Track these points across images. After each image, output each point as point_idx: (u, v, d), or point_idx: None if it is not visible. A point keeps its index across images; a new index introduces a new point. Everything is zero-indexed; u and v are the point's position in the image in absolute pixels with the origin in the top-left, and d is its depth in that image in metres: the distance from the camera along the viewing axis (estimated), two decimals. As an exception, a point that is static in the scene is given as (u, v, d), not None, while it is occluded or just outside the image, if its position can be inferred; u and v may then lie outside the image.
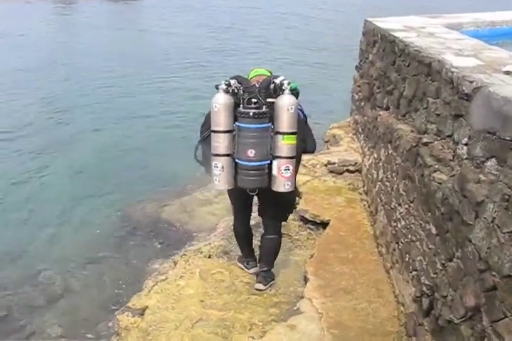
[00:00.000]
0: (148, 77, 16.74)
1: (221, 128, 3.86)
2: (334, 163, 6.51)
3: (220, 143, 3.88)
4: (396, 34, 5.27)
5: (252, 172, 3.90)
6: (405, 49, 4.69)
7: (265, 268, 4.60)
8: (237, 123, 3.87)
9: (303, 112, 4.22)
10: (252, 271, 4.79)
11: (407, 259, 3.87)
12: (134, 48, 23.01)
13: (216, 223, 6.52)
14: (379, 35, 6.04)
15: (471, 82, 3.13)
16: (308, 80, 16.02)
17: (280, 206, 4.40)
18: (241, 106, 3.87)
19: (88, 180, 8.58)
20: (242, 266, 4.89)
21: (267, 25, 29.81)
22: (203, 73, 17.14)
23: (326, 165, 6.57)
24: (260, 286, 4.56)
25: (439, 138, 3.67)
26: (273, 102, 3.86)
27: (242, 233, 4.73)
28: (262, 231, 4.65)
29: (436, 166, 3.45)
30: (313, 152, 4.57)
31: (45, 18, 37.05)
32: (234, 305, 4.31)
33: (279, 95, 3.84)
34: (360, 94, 7.11)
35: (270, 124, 3.86)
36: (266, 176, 3.94)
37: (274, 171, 3.92)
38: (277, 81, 3.87)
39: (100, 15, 41.94)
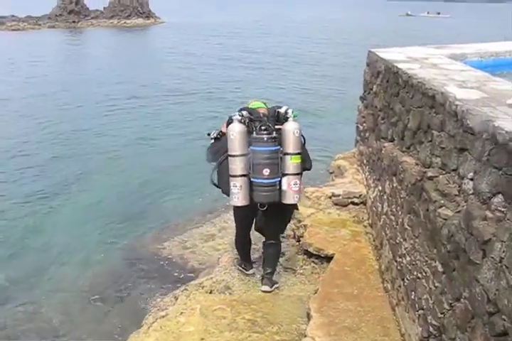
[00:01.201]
0: (156, 105, 16.93)
1: (238, 153, 4.51)
2: (339, 195, 6.41)
3: (237, 165, 4.52)
4: (399, 65, 5.23)
5: (267, 188, 4.57)
6: (409, 80, 4.64)
7: (269, 270, 5.12)
8: (251, 147, 4.52)
9: (303, 136, 4.78)
10: (250, 271, 5.41)
11: (412, 297, 3.73)
12: (142, 76, 23.40)
13: (218, 256, 6.42)
14: (382, 66, 6.02)
15: (476, 116, 3.06)
16: (314, 110, 16.14)
17: (283, 218, 5.11)
18: (254, 133, 4.56)
19: (92, 215, 8.59)
20: (240, 269, 5.47)
21: (273, 56, 30.26)
22: (213, 101, 17.35)
23: (330, 198, 6.47)
24: (266, 288, 5.02)
25: (444, 172, 3.57)
26: (280, 128, 4.61)
27: (244, 244, 5.37)
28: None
29: (442, 201, 3.35)
30: (310, 169, 5.10)
31: (54, 47, 37.90)
32: (235, 344, 4.18)
33: (284, 122, 4.63)
34: (364, 124, 7.06)
35: (279, 147, 4.56)
36: (278, 191, 4.61)
37: (284, 186, 4.62)
38: (282, 110, 4.70)
39: (108, 43, 42.90)
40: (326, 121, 14.73)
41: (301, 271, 5.40)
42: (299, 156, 4.62)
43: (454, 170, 3.39)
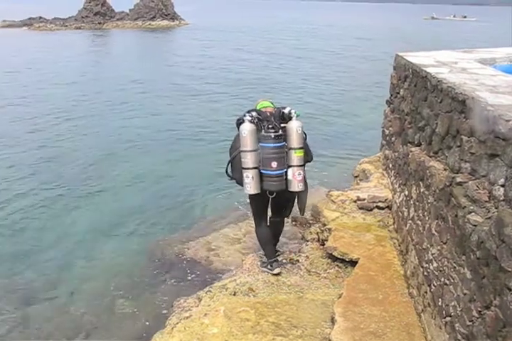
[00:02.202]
0: (180, 106, 17.04)
1: (249, 149, 5.25)
2: (364, 200, 6.37)
3: (249, 159, 5.26)
4: (428, 69, 5.18)
5: (275, 178, 5.30)
6: (438, 85, 4.60)
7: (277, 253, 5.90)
8: (261, 143, 5.27)
9: (304, 132, 5.45)
10: (276, 271, 5.60)
11: (439, 303, 3.69)
12: (165, 78, 23.56)
13: (242, 258, 6.43)
14: (410, 71, 5.98)
15: (508, 121, 3.02)
16: (339, 113, 16.10)
17: (289, 204, 5.84)
18: (263, 131, 5.28)
19: (117, 214, 8.63)
20: (266, 270, 5.68)
21: (300, 60, 30.26)
22: (236, 102, 17.40)
23: (355, 202, 6.44)
24: (278, 270, 5.56)
25: (473, 178, 3.53)
26: (284, 126, 5.30)
27: (265, 235, 5.82)
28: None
29: (471, 207, 3.31)
30: (311, 161, 5.80)
31: (79, 47, 38.43)
32: (258, 347, 4.18)
33: (288, 121, 5.32)
34: (390, 129, 7.01)
35: (284, 143, 5.29)
36: (284, 181, 5.33)
37: (290, 176, 5.34)
38: (286, 111, 5.37)
39: (132, 44, 43.39)
40: (351, 124, 14.68)
41: (325, 275, 5.38)
42: (301, 150, 5.34)
43: (483, 175, 3.35)
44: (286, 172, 5.33)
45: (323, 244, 5.92)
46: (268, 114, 5.44)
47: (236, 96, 18.92)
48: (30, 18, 57.92)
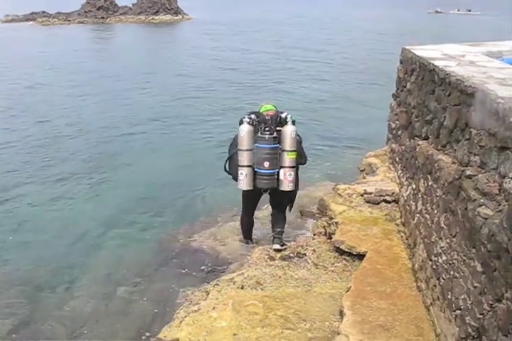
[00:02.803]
0: (179, 104, 17.03)
1: (245, 148, 5.86)
2: (371, 193, 6.36)
3: (244, 157, 5.87)
4: (436, 63, 5.16)
5: (266, 177, 5.88)
6: (446, 78, 4.57)
7: (279, 230, 6.25)
8: (256, 144, 5.84)
9: (299, 136, 6.05)
10: (250, 244, 6.66)
11: (449, 297, 3.69)
12: (168, 73, 23.54)
13: (249, 251, 6.44)
14: (417, 64, 5.95)
15: (519, 114, 3.01)
16: (343, 107, 16.05)
17: (284, 201, 6.43)
18: (259, 132, 5.84)
19: (124, 208, 8.65)
20: (243, 244, 6.73)
21: (305, 52, 30.19)
22: (243, 94, 17.41)
23: (362, 195, 6.43)
24: (277, 246, 6.01)
25: (483, 171, 3.52)
26: (280, 130, 5.85)
27: (247, 222, 6.66)
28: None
29: (482, 200, 3.30)
30: (305, 163, 6.42)
31: (82, 41, 38.45)
32: (267, 340, 4.18)
33: (284, 125, 5.88)
34: (397, 122, 6.99)
35: (278, 145, 5.83)
36: (275, 180, 5.92)
37: (281, 176, 5.91)
38: (283, 115, 5.94)
39: (135, 38, 43.33)
40: (356, 117, 14.64)
41: (333, 269, 5.38)
42: (294, 153, 5.87)
43: (494, 168, 3.33)
44: (278, 172, 5.90)
45: (330, 238, 5.93)
46: (267, 117, 5.95)
47: (241, 90, 18.91)
48: (32, 13, 57.76)
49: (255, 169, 5.88)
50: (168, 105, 16.69)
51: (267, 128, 5.83)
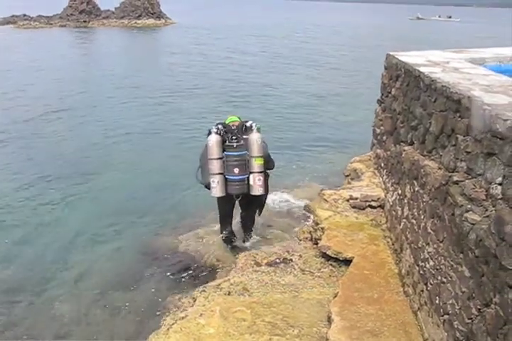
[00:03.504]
0: (163, 107, 17.02)
1: (215, 156, 6.16)
2: (356, 199, 6.39)
3: (215, 166, 6.16)
4: (421, 69, 5.21)
5: (237, 182, 6.21)
6: (431, 84, 4.62)
7: (249, 232, 7.00)
8: (225, 152, 6.18)
9: (264, 142, 6.34)
10: (232, 247, 6.91)
11: (437, 302, 3.71)
12: (149, 76, 23.49)
13: (235, 255, 6.42)
14: (402, 70, 6.00)
15: (506, 120, 3.04)
16: (327, 112, 16.13)
17: (254, 206, 6.83)
18: (227, 141, 6.20)
19: (108, 211, 8.55)
20: (227, 248, 6.90)
21: (288, 58, 30.33)
22: (226, 100, 17.44)
23: (348, 201, 6.46)
24: (248, 243, 6.89)
25: (469, 177, 3.55)
26: (246, 138, 6.18)
27: (229, 240, 6.90)
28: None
29: (469, 206, 3.33)
30: (273, 168, 6.73)
31: (63, 45, 38.19)
32: (256, 346, 4.17)
33: (250, 133, 6.20)
34: (382, 128, 7.04)
35: (246, 152, 6.17)
36: (246, 185, 6.24)
37: (251, 181, 6.24)
38: (247, 124, 6.26)
39: (117, 42, 43.18)
40: (340, 123, 14.72)
41: (319, 274, 5.38)
42: (261, 158, 6.21)
43: (480, 174, 3.37)
44: (248, 177, 6.23)
45: (316, 243, 5.93)
46: (233, 127, 6.33)
47: (226, 94, 18.90)
48: (13, 16, 57.23)
49: (226, 176, 6.19)
50: (153, 109, 16.62)
51: (234, 137, 6.20)
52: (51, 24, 56.07)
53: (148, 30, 54.13)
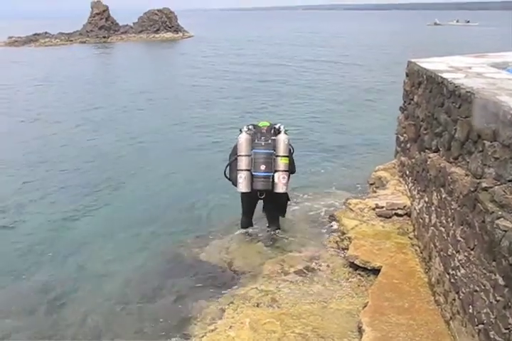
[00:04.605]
0: (186, 117, 17.18)
1: (244, 153, 6.62)
2: (382, 207, 6.34)
3: (243, 162, 6.60)
4: (443, 75, 5.17)
5: (262, 179, 6.55)
6: (455, 90, 4.58)
7: (275, 227, 7.28)
8: (253, 150, 6.59)
9: (291, 145, 6.83)
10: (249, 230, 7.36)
11: (470, 311, 3.65)
12: (167, 90, 23.73)
13: (261, 262, 6.39)
14: (424, 76, 5.97)
15: (535, 126, 3.00)
16: (350, 120, 16.09)
17: (278, 205, 7.27)
18: (256, 140, 6.63)
19: (131, 219, 8.58)
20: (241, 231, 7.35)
21: (308, 68, 30.41)
22: (247, 110, 17.56)
23: (373, 209, 6.41)
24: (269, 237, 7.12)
25: (499, 183, 3.50)
26: (274, 138, 6.65)
27: (245, 222, 7.32)
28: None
29: (499, 212, 3.28)
30: (294, 173, 7.07)
31: (84, 61, 38.79)
32: (286, 358, 4.14)
33: (278, 134, 6.70)
34: (405, 135, 6.99)
35: (273, 151, 6.58)
36: (270, 182, 6.58)
37: (276, 179, 6.60)
38: (276, 126, 6.80)
39: (136, 56, 43.75)
40: (362, 131, 14.61)
41: (348, 284, 5.34)
42: (287, 158, 6.63)
43: (510, 180, 3.32)
44: (273, 176, 6.57)
45: (344, 253, 5.90)
46: (263, 129, 6.81)
47: (248, 105, 18.96)
48: (35, 34, 58.42)
49: (253, 173, 6.56)
50: (179, 120, 16.79)
51: (263, 137, 6.64)
52: (71, 41, 57.14)
53: (167, 43, 54.78)
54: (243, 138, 6.63)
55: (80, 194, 9.87)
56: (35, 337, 5.52)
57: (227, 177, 6.90)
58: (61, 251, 7.57)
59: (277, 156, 6.59)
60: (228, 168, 6.89)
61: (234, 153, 6.80)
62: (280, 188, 6.62)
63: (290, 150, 6.83)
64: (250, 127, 6.80)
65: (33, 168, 11.64)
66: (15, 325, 5.73)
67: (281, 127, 6.76)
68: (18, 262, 7.24)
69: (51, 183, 10.56)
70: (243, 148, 6.61)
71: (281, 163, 6.59)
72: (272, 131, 6.76)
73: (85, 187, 10.26)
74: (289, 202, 7.64)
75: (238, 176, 6.60)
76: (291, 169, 6.85)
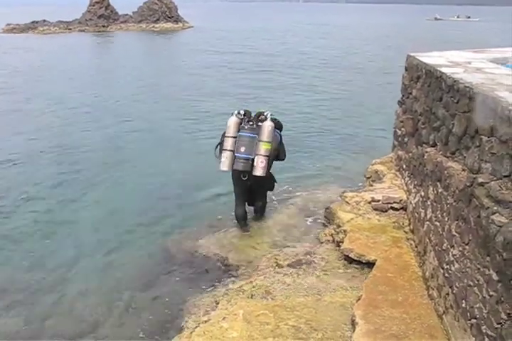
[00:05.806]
0: (182, 106, 17.15)
1: (230, 135, 7.02)
2: (378, 201, 6.34)
3: (228, 143, 7.00)
4: (442, 70, 5.15)
5: (242, 160, 6.92)
6: (454, 85, 4.57)
7: (259, 212, 7.82)
8: (239, 133, 7.00)
9: (279, 133, 7.40)
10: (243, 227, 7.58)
11: (463, 305, 3.66)
12: (167, 79, 23.67)
13: (256, 256, 6.40)
14: (423, 71, 5.95)
15: (533, 121, 2.99)
16: (347, 114, 16.05)
17: (262, 187, 7.60)
18: (242, 123, 7.04)
19: (128, 213, 8.56)
20: (243, 232, 7.46)
21: (307, 60, 30.31)
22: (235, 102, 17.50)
23: (369, 203, 6.41)
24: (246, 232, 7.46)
25: (495, 178, 3.50)
26: (260, 125, 6.97)
27: (241, 216, 7.52)
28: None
29: (495, 208, 3.27)
30: (284, 159, 7.63)
31: (83, 49, 38.68)
32: (279, 350, 4.15)
33: (264, 120, 7.01)
34: (403, 129, 6.98)
35: (256, 135, 6.94)
36: (249, 164, 6.91)
37: (255, 162, 6.91)
38: (265, 113, 7.09)
39: (135, 45, 43.61)
40: (360, 124, 14.61)
41: (342, 277, 5.34)
42: (268, 144, 6.92)
43: (506, 176, 3.32)
44: (253, 159, 6.90)
45: (339, 246, 5.91)
46: (253, 115, 7.19)
47: (247, 96, 18.89)
48: (33, 22, 58.05)
49: (235, 154, 6.95)
50: (181, 111, 16.74)
51: (250, 122, 7.04)
52: (70, 29, 56.81)
53: (166, 33, 54.52)
54: (231, 121, 7.05)
55: (76, 186, 9.83)
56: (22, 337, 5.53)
57: (216, 155, 7.26)
58: (54, 243, 7.57)
59: (260, 141, 6.91)
60: (218, 148, 7.28)
61: (223, 135, 7.18)
62: (258, 171, 6.93)
63: (277, 137, 7.24)
64: (241, 112, 7.18)
65: (16, 161, 11.57)
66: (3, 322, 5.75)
67: (268, 114, 7.09)
68: (4, 256, 7.25)
69: (47, 173, 10.56)
70: (230, 130, 7.02)
71: (263, 147, 6.90)
72: (260, 118, 7.08)
73: (82, 179, 10.22)
74: (277, 189, 8.08)
75: (222, 155, 7.03)
76: (280, 157, 7.41)
